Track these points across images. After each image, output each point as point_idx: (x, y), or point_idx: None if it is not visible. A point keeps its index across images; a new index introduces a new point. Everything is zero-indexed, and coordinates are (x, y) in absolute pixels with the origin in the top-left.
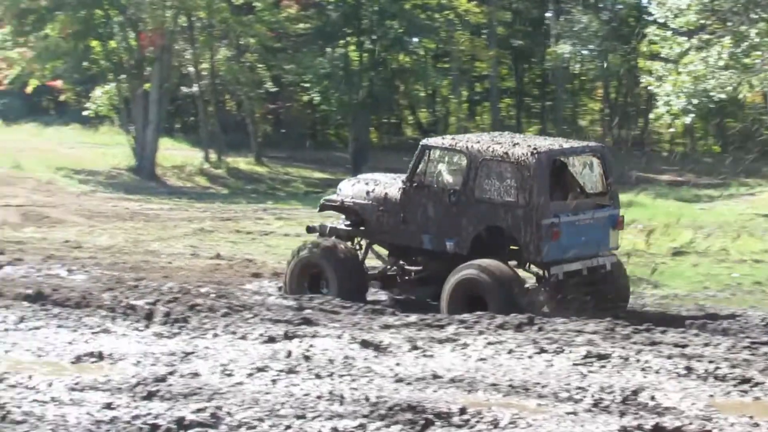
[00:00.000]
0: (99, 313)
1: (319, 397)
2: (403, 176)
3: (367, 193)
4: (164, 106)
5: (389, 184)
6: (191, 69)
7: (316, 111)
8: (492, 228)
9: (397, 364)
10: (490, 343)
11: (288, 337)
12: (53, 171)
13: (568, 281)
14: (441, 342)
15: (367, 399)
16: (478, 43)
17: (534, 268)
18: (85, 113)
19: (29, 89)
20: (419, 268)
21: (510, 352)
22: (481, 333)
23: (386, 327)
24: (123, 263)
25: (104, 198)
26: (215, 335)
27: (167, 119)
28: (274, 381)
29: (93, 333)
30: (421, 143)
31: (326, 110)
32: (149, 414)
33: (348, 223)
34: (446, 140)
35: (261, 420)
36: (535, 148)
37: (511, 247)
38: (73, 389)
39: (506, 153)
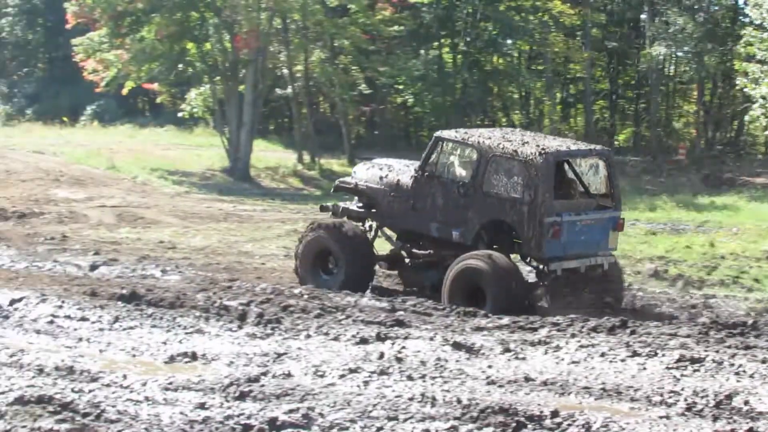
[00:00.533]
0: (193, 314)
1: (411, 399)
2: (416, 164)
3: (381, 178)
4: (258, 108)
5: (402, 171)
6: (285, 71)
7: (409, 113)
8: (496, 221)
9: (489, 367)
10: (582, 346)
11: (380, 338)
12: (148, 172)
13: (566, 278)
14: (533, 344)
15: (459, 401)
16: (572, 44)
17: (534, 261)
18: (180, 115)
19: (125, 91)
20: (426, 252)
21: (602, 355)
22: (573, 336)
23: (478, 329)
24: (216, 264)
25: (198, 199)
26: (308, 336)
27: (261, 121)
28: (366, 382)
29: (186, 333)
30: (435, 135)
31: (420, 112)
32: (242, 414)
33: (360, 205)
34: (459, 134)
35: (353, 421)
36: (543, 148)
37: (514, 240)
38: (166, 389)
39: (515, 151)
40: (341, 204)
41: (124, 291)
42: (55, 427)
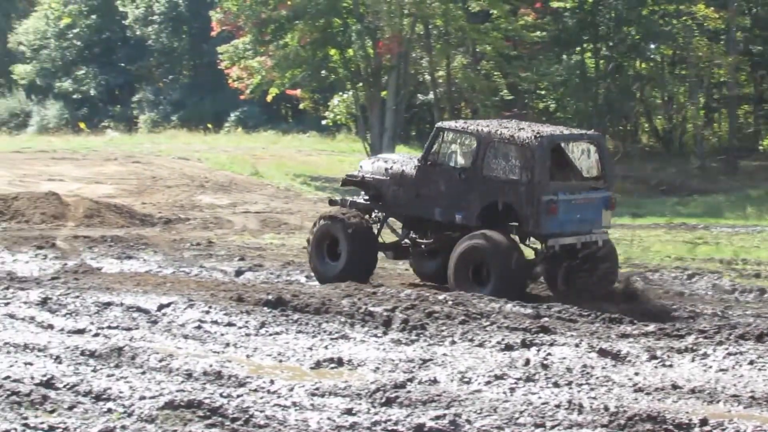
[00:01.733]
0: (338, 319)
1: (557, 406)
2: (417, 156)
3: (386, 170)
4: (401, 114)
5: (405, 163)
6: (427, 77)
7: (551, 118)
8: (496, 203)
9: (636, 374)
10: (730, 354)
11: (525, 345)
12: (291, 178)
13: (564, 254)
14: (680, 352)
15: (606, 408)
16: (717, 49)
17: (533, 243)
18: (323, 122)
19: (269, 98)
20: (429, 241)
21: (751, 363)
22: (720, 343)
23: (624, 336)
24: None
25: None
26: (453, 342)
27: (403, 126)
28: (512, 389)
29: (332, 339)
30: (436, 125)
31: (562, 117)
32: (389, 420)
33: (367, 198)
34: (459, 124)
35: (500, 428)
36: (538, 133)
37: (512, 223)
38: (313, 394)
39: (512, 136)
40: (349, 198)
41: (269, 296)
42: (205, 431)
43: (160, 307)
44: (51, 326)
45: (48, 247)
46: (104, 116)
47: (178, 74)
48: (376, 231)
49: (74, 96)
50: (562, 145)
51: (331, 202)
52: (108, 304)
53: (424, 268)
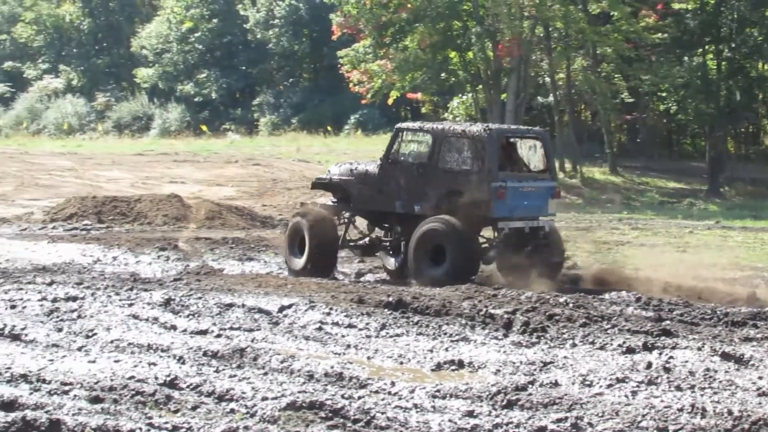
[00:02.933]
0: (458, 322)
1: (680, 410)
2: (378, 159)
3: (351, 171)
4: (520, 116)
5: (368, 164)
6: (547, 79)
7: (672, 121)
8: (452, 192)
9: (760, 378)
10: None
11: (647, 348)
12: None
13: (514, 239)
14: None
15: (729, 413)
16: None
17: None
18: None
19: (390, 101)
20: (393, 238)
21: None
22: None
23: (747, 340)
24: (480, 273)
25: None
26: (573, 345)
27: None
28: (634, 392)
29: (452, 341)
30: (395, 127)
31: (683, 119)
32: (510, 423)
33: (335, 200)
34: (416, 124)
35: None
36: (487, 127)
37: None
38: (434, 396)
39: (464, 131)
40: (318, 201)
41: (390, 299)
42: None
43: (282, 308)
44: (174, 327)
45: (170, 249)
46: (225, 119)
47: (298, 77)
48: (342, 230)
49: (196, 99)
50: (512, 141)
51: (302, 205)
52: (230, 306)
53: (389, 264)
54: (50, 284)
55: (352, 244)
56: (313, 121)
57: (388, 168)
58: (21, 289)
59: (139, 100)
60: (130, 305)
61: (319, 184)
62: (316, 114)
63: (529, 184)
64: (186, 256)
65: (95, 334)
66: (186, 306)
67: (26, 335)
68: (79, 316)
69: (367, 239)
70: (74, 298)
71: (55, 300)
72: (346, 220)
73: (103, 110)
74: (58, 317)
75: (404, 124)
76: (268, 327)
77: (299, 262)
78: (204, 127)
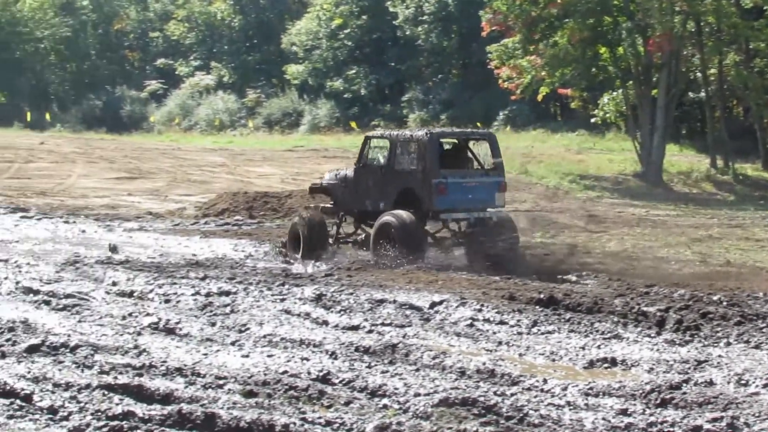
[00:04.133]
0: (610, 319)
1: None
2: (354, 165)
3: (336, 176)
4: (671, 112)
5: (349, 169)
6: (699, 74)
7: None
8: (405, 189)
9: None
10: None
11: None
12: (559, 177)
13: (464, 228)
14: None
15: None
16: None
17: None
18: (592, 120)
19: (540, 97)
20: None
21: None
22: None
23: None
24: (632, 269)
25: (610, 204)
26: (728, 344)
27: (673, 125)
28: None
29: (604, 339)
30: (365, 135)
31: None
32: (665, 422)
33: (332, 203)
34: (379, 132)
35: None
36: (429, 131)
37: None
38: (587, 394)
39: (412, 135)
40: (321, 205)
41: (541, 295)
42: (480, 429)
43: (433, 304)
44: (326, 322)
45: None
46: (374, 115)
47: (447, 73)
48: (334, 227)
49: (345, 95)
50: (460, 142)
51: (305, 208)
52: (381, 302)
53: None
54: (203, 279)
55: (342, 239)
56: (463, 117)
57: (361, 172)
58: (175, 283)
59: (289, 97)
60: (282, 300)
61: (315, 189)
62: (466, 110)
63: (473, 179)
64: (337, 251)
65: (248, 328)
66: (337, 301)
67: (181, 329)
68: (232, 311)
69: (362, 235)
70: (227, 293)
71: (208, 294)
72: (338, 220)
73: (254, 106)
74: (211, 312)
75: (371, 133)
76: (419, 323)
77: (296, 256)
78: (353, 124)
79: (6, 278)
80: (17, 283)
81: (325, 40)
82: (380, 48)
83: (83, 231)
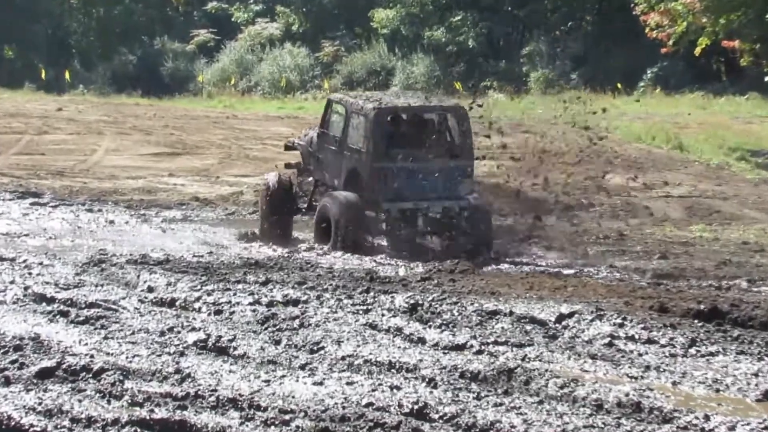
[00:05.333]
0: None
1: None
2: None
3: (305, 135)
4: None
5: (315, 130)
6: None
7: None
8: (352, 170)
9: None
10: None
11: None
12: (724, 153)
13: (414, 218)
14: None
15: None
16: None
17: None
18: (767, 79)
19: (698, 51)
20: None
21: None
22: None
23: None
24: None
25: None
26: None
27: None
28: None
29: None
30: (327, 98)
31: None
32: None
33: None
34: (339, 95)
35: None
36: (378, 104)
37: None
38: None
39: (361, 107)
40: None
41: (701, 306)
42: None
43: (560, 317)
44: (422, 340)
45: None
46: (485, 74)
47: (579, 20)
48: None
49: (448, 48)
50: (420, 117)
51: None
52: (493, 314)
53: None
54: (265, 284)
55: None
56: (598, 76)
57: (322, 138)
58: (228, 289)
59: (376, 50)
60: (366, 311)
61: (288, 148)
62: (602, 67)
63: (428, 164)
64: (436, 247)
65: (322, 348)
66: (437, 313)
67: (235, 349)
68: (301, 325)
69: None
70: (295, 302)
71: (271, 304)
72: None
73: (331, 63)
74: (275, 326)
75: (333, 95)
76: (542, 341)
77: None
78: (458, 85)
79: (12, 282)
80: (26, 288)
81: None
82: None
83: (111, 222)
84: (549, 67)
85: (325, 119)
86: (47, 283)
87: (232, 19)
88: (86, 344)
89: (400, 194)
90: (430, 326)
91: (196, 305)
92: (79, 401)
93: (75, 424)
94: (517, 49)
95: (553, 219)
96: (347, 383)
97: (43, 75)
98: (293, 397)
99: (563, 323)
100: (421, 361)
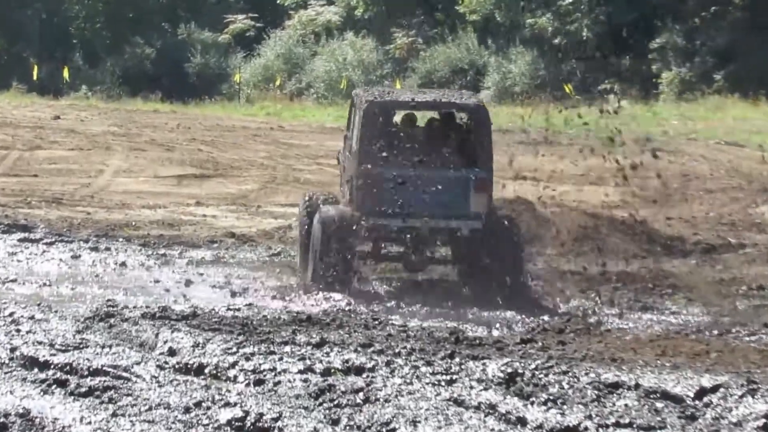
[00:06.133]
0: None
1: None
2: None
3: (345, 140)
4: None
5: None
6: None
7: None
8: (351, 177)
9: None
10: None
11: None
12: None
13: (406, 237)
14: None
15: None
16: None
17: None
18: None
19: None
20: None
21: None
22: None
23: None
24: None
25: None
26: None
27: None
28: None
29: None
30: (353, 92)
31: None
32: None
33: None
34: (361, 89)
35: None
36: (375, 97)
37: None
38: None
39: (362, 100)
40: None
41: None
42: None
43: (701, 392)
44: (522, 421)
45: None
46: (603, 74)
47: (725, 5)
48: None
49: (555, 41)
50: (442, 118)
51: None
52: (614, 387)
53: None
54: (319, 345)
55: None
56: (749, 78)
57: (345, 141)
58: (272, 353)
59: (462, 42)
60: (450, 383)
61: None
62: (754, 65)
63: (433, 172)
64: (541, 300)
65: (393, 430)
66: (541, 385)
67: (281, 430)
68: (366, 400)
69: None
70: (358, 370)
71: (327, 372)
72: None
73: (405, 58)
74: (332, 401)
75: (356, 90)
76: (678, 423)
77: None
78: (568, 88)
79: None
80: (13, 350)
81: None
82: None
83: (122, 264)
84: (686, 65)
85: (349, 119)
86: (40, 343)
87: (278, 2)
88: (90, 423)
89: (394, 207)
90: (532, 402)
91: (231, 373)
92: None
93: None
94: (645, 42)
95: (691, 263)
96: None
97: (35, 73)
98: None
99: (705, 400)
100: None
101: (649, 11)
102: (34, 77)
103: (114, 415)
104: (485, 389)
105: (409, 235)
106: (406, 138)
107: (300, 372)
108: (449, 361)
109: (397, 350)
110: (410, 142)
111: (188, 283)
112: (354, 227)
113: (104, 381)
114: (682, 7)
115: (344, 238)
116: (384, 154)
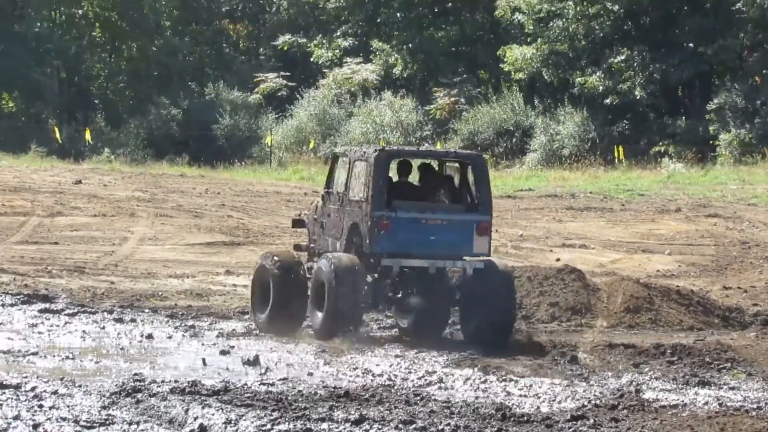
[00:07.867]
0: None
1: None
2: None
3: (311, 203)
4: None
5: (321, 195)
6: None
7: None
8: (353, 225)
9: None
10: None
11: None
12: None
13: (412, 278)
14: None
15: None
16: None
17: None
18: None
19: None
20: None
21: None
22: None
23: None
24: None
25: None
26: None
27: None
28: None
29: None
30: (333, 151)
31: None
32: None
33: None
34: (345, 148)
35: None
36: (382, 148)
37: None
38: None
39: (364, 153)
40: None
41: None
42: None
43: None
44: None
45: (565, 362)
46: (657, 135)
47: None
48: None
49: (606, 101)
50: (429, 165)
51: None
52: None
53: (402, 322)
54: (358, 423)
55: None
56: None
57: (327, 200)
58: (308, 429)
59: (507, 102)
60: None
61: (296, 223)
62: None
63: (437, 216)
64: (592, 374)
65: None
66: None
67: None
68: None
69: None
70: None
71: None
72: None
73: (447, 119)
74: None
75: (338, 149)
76: None
77: (261, 317)
78: (619, 151)
79: (17, 418)
80: (36, 426)
81: (573, 1)
82: (669, 16)
83: (149, 336)
84: (745, 126)
85: (329, 177)
86: (64, 419)
87: (312, 59)
88: None
89: (404, 248)
90: None
91: None
92: None
93: None
94: (703, 100)
95: (750, 335)
96: None
97: (57, 135)
98: None
99: None
100: None
101: (706, 69)
102: (58, 139)
103: None
104: None
105: (416, 275)
106: (411, 187)
107: None
108: None
109: (440, 427)
110: (415, 190)
111: (220, 354)
112: (366, 270)
113: None
114: (741, 65)
115: (361, 283)
116: (396, 200)
